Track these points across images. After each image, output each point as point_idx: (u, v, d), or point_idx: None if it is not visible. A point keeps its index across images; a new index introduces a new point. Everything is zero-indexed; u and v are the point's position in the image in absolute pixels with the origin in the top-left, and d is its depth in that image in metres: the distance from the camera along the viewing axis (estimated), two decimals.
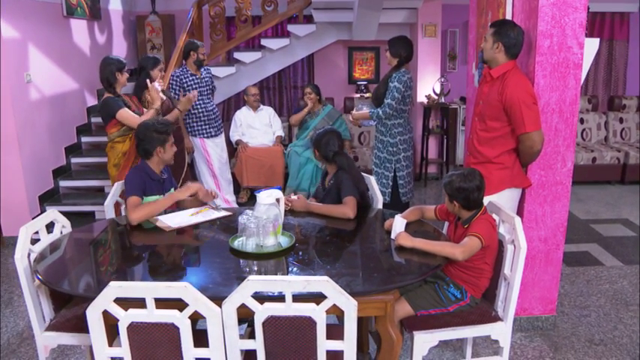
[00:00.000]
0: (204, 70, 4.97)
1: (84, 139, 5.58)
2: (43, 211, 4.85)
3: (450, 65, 7.23)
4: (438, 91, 6.20)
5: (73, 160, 5.35)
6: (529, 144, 2.80)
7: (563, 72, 2.90)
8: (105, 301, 1.81)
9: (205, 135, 4.94)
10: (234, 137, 5.77)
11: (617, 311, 3.44)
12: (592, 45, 3.04)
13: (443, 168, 6.55)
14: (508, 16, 3.17)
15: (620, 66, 7.08)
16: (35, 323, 2.39)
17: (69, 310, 2.54)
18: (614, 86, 7.19)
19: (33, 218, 4.69)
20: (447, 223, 2.81)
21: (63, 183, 5.15)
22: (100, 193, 5.31)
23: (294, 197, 2.98)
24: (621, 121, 6.59)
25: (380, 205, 3.06)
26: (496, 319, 2.49)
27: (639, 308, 3.47)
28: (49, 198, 4.96)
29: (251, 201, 5.69)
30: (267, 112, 5.89)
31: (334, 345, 1.93)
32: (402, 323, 2.48)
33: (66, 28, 5.34)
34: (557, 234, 3.13)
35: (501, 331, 2.47)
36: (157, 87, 3.84)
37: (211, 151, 5.00)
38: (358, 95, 6.95)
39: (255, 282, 1.82)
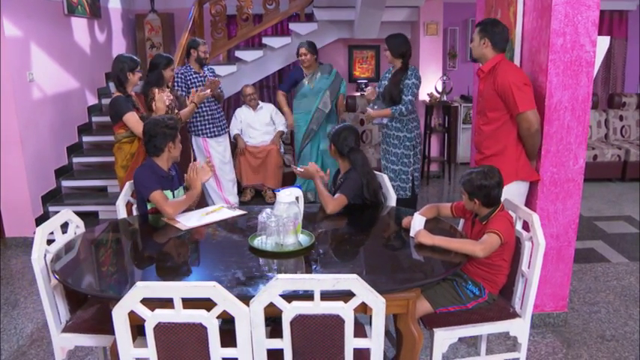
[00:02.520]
0: (208, 69, 4.94)
1: (85, 139, 5.53)
2: (45, 211, 4.81)
3: (450, 64, 7.25)
4: (440, 89, 6.21)
5: (75, 160, 5.30)
6: (526, 125, 2.85)
7: (575, 70, 2.91)
8: (132, 301, 1.79)
9: (209, 135, 4.91)
10: (233, 131, 5.64)
11: (627, 307, 3.47)
12: (603, 43, 3.07)
13: (445, 166, 6.56)
14: (519, 15, 3.18)
15: (618, 64, 7.12)
16: (52, 324, 2.37)
17: (85, 311, 2.52)
18: (613, 84, 7.24)
19: (36, 219, 4.68)
20: (461, 221, 2.83)
21: (65, 183, 5.10)
22: (102, 193, 5.27)
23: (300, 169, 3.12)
24: (621, 118, 6.62)
25: (393, 203, 3.06)
26: (514, 315, 2.50)
27: None
28: (51, 198, 4.91)
29: (254, 200, 5.67)
30: (267, 111, 5.76)
31: (362, 343, 1.93)
32: (421, 320, 2.49)
33: (67, 26, 5.29)
34: (568, 231, 3.15)
35: (520, 328, 2.48)
36: (165, 100, 3.78)
37: (213, 152, 4.97)
38: (359, 94, 6.93)
39: (284, 281, 1.81)
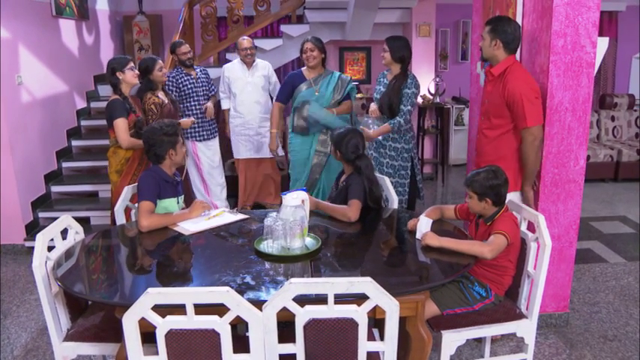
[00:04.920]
0: (201, 70, 4.87)
1: (74, 143, 5.42)
2: (35, 217, 4.71)
3: (441, 65, 7.27)
4: (432, 91, 6.22)
5: (64, 165, 5.19)
6: (531, 139, 2.79)
7: (576, 71, 2.92)
8: (143, 308, 1.74)
9: (198, 138, 4.83)
10: (222, 102, 5.07)
11: (627, 307, 3.48)
12: (602, 44, 3.07)
13: (438, 168, 6.56)
14: (518, 16, 3.18)
15: (609, 64, 7.21)
16: (53, 333, 2.31)
17: (86, 319, 2.45)
18: (604, 84, 7.33)
19: (26, 225, 4.58)
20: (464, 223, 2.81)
21: (55, 188, 5.00)
22: (92, 198, 5.17)
23: None
24: (613, 119, 6.69)
25: (395, 206, 3.04)
26: (521, 316, 2.49)
27: None
28: (41, 204, 4.80)
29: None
30: (263, 69, 4.94)
31: (376, 346, 1.91)
32: (428, 323, 2.46)
33: (55, 28, 5.19)
34: (570, 231, 3.16)
35: (526, 329, 2.47)
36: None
37: (201, 155, 4.88)
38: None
39: (298, 285, 1.78)
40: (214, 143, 4.97)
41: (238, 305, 1.74)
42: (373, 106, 3.98)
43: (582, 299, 3.59)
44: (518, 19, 3.17)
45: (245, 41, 4.84)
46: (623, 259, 4.23)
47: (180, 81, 4.68)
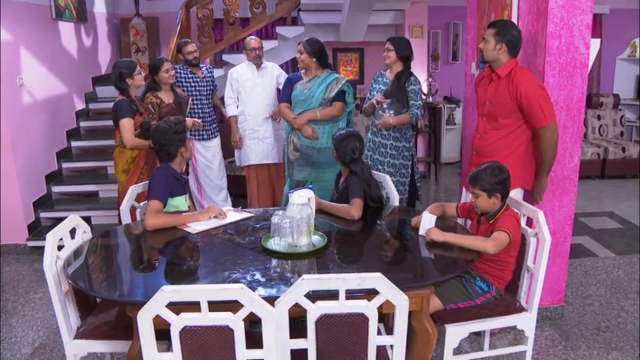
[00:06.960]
0: (207, 69, 4.85)
1: (74, 144, 5.45)
2: (37, 218, 4.73)
3: (432, 65, 7.37)
4: (425, 91, 6.31)
5: (64, 165, 5.22)
6: (549, 135, 2.84)
7: (570, 71, 3.01)
8: (158, 306, 1.79)
9: (197, 137, 4.82)
10: (228, 104, 4.80)
11: (618, 300, 3.59)
12: (595, 45, 3.16)
13: (431, 166, 6.66)
14: (514, 18, 3.26)
15: (594, 65, 7.36)
16: (64, 331, 2.35)
17: (96, 317, 2.50)
18: (589, 84, 7.48)
19: (28, 226, 4.60)
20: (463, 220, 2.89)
21: (55, 189, 5.03)
22: (92, 198, 5.20)
23: None
24: (599, 118, 6.85)
25: (397, 203, 3.12)
26: (521, 309, 2.57)
27: (639, 296, 3.63)
28: (42, 204, 4.83)
29: None
30: (272, 73, 4.71)
31: (385, 340, 1.98)
32: (432, 317, 2.54)
33: (55, 30, 5.22)
34: (564, 227, 3.25)
35: (526, 321, 2.55)
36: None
37: (198, 156, 4.86)
38: None
39: (310, 281, 1.83)
40: (213, 144, 4.90)
41: (252, 302, 1.79)
42: (379, 96, 3.93)
43: (575, 292, 3.70)
44: (514, 21, 3.26)
45: (253, 41, 4.63)
46: (612, 253, 4.35)
47: (179, 79, 4.63)
